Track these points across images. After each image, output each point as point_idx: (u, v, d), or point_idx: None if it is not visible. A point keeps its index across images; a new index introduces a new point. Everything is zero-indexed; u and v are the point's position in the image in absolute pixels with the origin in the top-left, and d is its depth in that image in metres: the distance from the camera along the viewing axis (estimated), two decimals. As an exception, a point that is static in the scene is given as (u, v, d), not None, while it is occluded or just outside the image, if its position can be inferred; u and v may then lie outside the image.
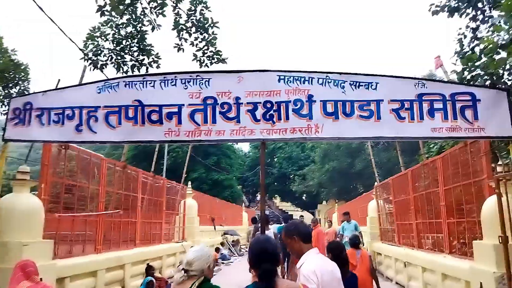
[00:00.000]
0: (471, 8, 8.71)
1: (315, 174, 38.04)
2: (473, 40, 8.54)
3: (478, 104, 5.01)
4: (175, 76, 5.33)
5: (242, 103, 5.19)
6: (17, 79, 9.44)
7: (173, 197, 13.04)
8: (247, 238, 15.35)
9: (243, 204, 35.58)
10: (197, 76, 5.31)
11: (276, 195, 54.22)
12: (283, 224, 18.51)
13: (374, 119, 5.03)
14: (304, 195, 45.87)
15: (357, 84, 5.12)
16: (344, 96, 5.09)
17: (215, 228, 18.57)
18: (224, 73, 5.39)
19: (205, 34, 8.79)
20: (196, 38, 8.84)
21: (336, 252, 4.31)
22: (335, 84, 5.14)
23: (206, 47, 8.83)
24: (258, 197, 54.42)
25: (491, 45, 5.74)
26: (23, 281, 4.04)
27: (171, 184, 12.88)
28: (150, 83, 5.34)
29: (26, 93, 9.87)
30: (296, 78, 5.18)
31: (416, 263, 8.87)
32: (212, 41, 8.79)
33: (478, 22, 8.67)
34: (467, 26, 8.50)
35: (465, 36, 8.35)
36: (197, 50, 8.86)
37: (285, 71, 5.22)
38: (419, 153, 11.57)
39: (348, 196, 37.94)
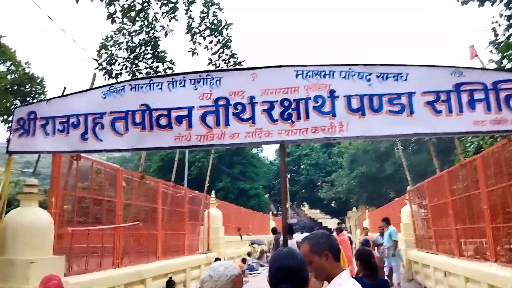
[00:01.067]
0: (505, -6, 8.03)
1: (344, 180, 37.12)
2: (508, 28, 7.84)
3: (525, 92, 4.38)
4: (184, 77, 4.93)
5: (257, 103, 4.73)
6: (33, 92, 9.35)
7: (196, 207, 12.67)
8: (268, 248, 14.89)
9: (271, 212, 34.97)
10: (207, 75, 4.90)
11: (304, 203, 53.32)
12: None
13: (406, 114, 4.47)
14: (333, 201, 44.84)
15: (385, 75, 4.57)
16: (371, 89, 4.56)
17: (241, 238, 18.09)
18: (236, 71, 4.97)
19: (219, 37, 8.42)
20: (210, 42, 8.51)
21: (365, 258, 3.96)
22: (359, 77, 4.61)
23: (221, 50, 8.47)
24: (287, 205, 53.67)
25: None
26: None
27: (193, 194, 12.51)
28: (157, 85, 4.95)
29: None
30: (316, 72, 4.68)
31: (457, 272, 8.11)
32: (227, 43, 8.42)
33: (513, 9, 7.98)
34: (501, 14, 7.83)
35: (499, 25, 7.68)
36: (212, 54, 8.51)
37: (303, 65, 4.73)
38: (455, 153, 10.80)
39: (379, 202, 36.79)
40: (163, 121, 4.85)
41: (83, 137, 5.05)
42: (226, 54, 8.37)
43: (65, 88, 5.62)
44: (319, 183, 46.68)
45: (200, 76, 4.90)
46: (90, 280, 6.50)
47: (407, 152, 35.58)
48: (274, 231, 12.74)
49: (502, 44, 6.46)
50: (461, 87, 4.45)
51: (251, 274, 15.46)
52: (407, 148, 35.79)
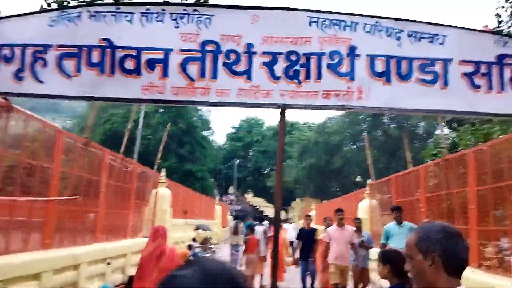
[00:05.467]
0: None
1: (293, 170, 36.87)
2: None
3: None
4: (163, 9, 3.76)
5: (256, 53, 3.70)
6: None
7: (144, 185, 11.38)
8: (230, 232, 14.39)
9: (217, 197, 34.02)
10: (194, 10, 3.77)
11: (249, 190, 52.82)
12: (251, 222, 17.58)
13: (439, 85, 3.65)
14: (278, 191, 44.59)
15: (418, 35, 3.71)
16: (400, 51, 3.68)
17: (187, 222, 16.96)
18: (232, 9, 3.83)
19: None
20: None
21: (399, 262, 2.99)
22: (387, 33, 3.71)
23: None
24: (230, 191, 52.86)
25: None
26: (150, 244, 5.25)
27: (143, 170, 11.20)
28: (126, 16, 3.75)
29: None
30: (334, 22, 3.72)
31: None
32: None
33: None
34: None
35: (505, 10, 7.14)
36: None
37: (319, 11, 3.74)
38: (425, 148, 10.43)
39: (323, 195, 37.02)
40: (130, 64, 3.68)
41: (17, 76, 3.75)
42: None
43: (-3, 10, 4.22)
44: (265, 171, 46.35)
45: (184, 10, 3.76)
46: (12, 263, 5.18)
47: (356, 147, 36.01)
48: (236, 217, 12.29)
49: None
50: (504, 60, 3.69)
51: (196, 260, 14.43)
52: (354, 143, 36.22)
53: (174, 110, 35.19)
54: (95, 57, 3.69)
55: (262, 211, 56.49)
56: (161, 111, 35.61)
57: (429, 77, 3.64)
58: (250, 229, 10.45)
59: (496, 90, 3.64)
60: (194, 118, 36.89)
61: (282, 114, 3.70)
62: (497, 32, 3.87)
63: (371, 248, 8.35)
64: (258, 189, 48.30)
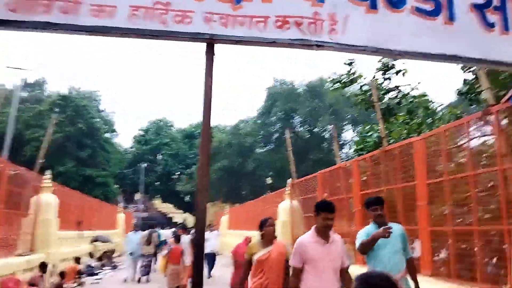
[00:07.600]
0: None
1: (203, 174, 35.22)
2: None
3: None
4: None
5: None
6: None
7: (19, 190, 9.02)
8: (141, 242, 12.13)
9: (119, 204, 31.05)
10: None
11: (158, 195, 49.78)
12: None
13: (443, 19, 2.47)
14: (189, 195, 42.67)
15: None
16: (388, -34, 2.43)
17: (82, 234, 14.49)
18: None
19: None
20: None
21: None
22: None
23: None
24: (137, 197, 49.39)
25: None
26: None
27: (16, 171, 8.84)
28: None
29: None
30: None
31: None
32: None
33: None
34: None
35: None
36: None
37: None
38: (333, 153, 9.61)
39: (235, 198, 35.95)
40: None
41: None
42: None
43: None
44: (175, 175, 44.02)
45: None
46: None
47: (267, 150, 35.57)
48: (151, 226, 13.29)
49: None
50: (520, -7, 2.65)
51: (94, 274, 12.13)
52: (266, 144, 35.77)
53: (72, 109, 31.71)
54: None
55: (171, 218, 53.89)
56: (56, 110, 31.75)
57: (428, 7, 2.45)
58: (176, 238, 9.01)
59: (514, 31, 2.56)
60: (96, 119, 33.60)
61: (209, 51, 2.21)
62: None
63: None
64: (167, 194, 45.68)
